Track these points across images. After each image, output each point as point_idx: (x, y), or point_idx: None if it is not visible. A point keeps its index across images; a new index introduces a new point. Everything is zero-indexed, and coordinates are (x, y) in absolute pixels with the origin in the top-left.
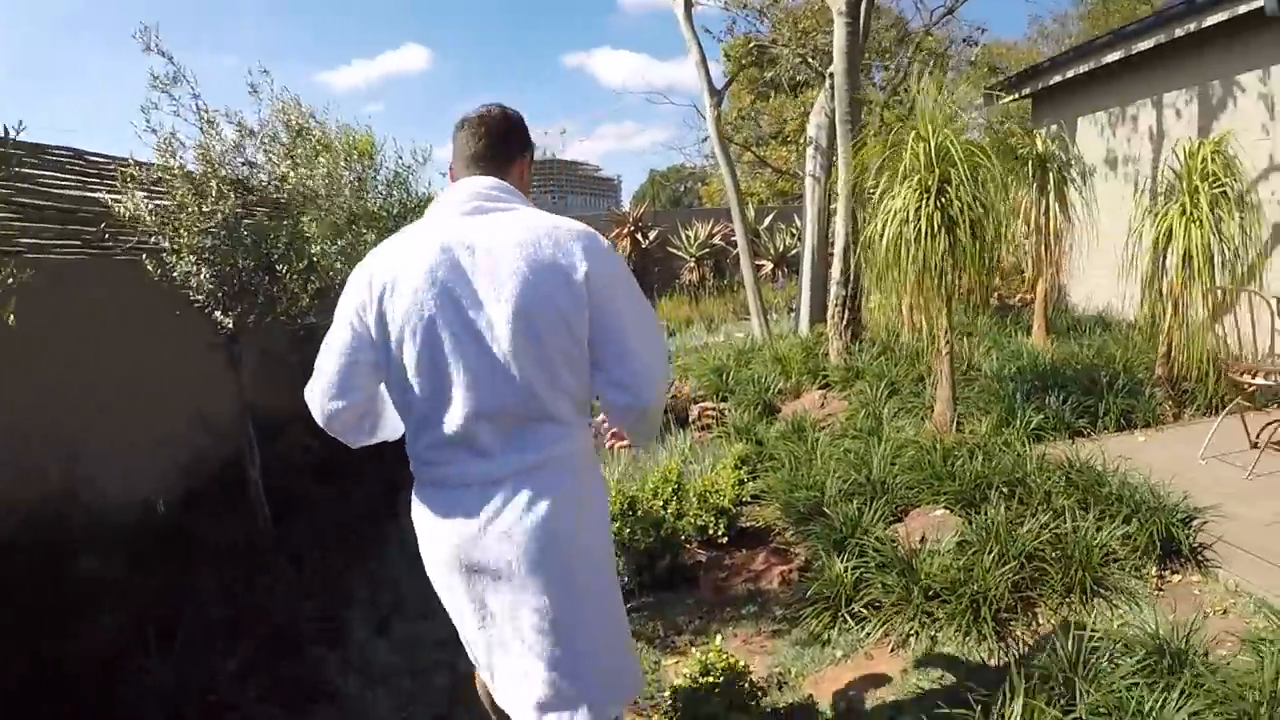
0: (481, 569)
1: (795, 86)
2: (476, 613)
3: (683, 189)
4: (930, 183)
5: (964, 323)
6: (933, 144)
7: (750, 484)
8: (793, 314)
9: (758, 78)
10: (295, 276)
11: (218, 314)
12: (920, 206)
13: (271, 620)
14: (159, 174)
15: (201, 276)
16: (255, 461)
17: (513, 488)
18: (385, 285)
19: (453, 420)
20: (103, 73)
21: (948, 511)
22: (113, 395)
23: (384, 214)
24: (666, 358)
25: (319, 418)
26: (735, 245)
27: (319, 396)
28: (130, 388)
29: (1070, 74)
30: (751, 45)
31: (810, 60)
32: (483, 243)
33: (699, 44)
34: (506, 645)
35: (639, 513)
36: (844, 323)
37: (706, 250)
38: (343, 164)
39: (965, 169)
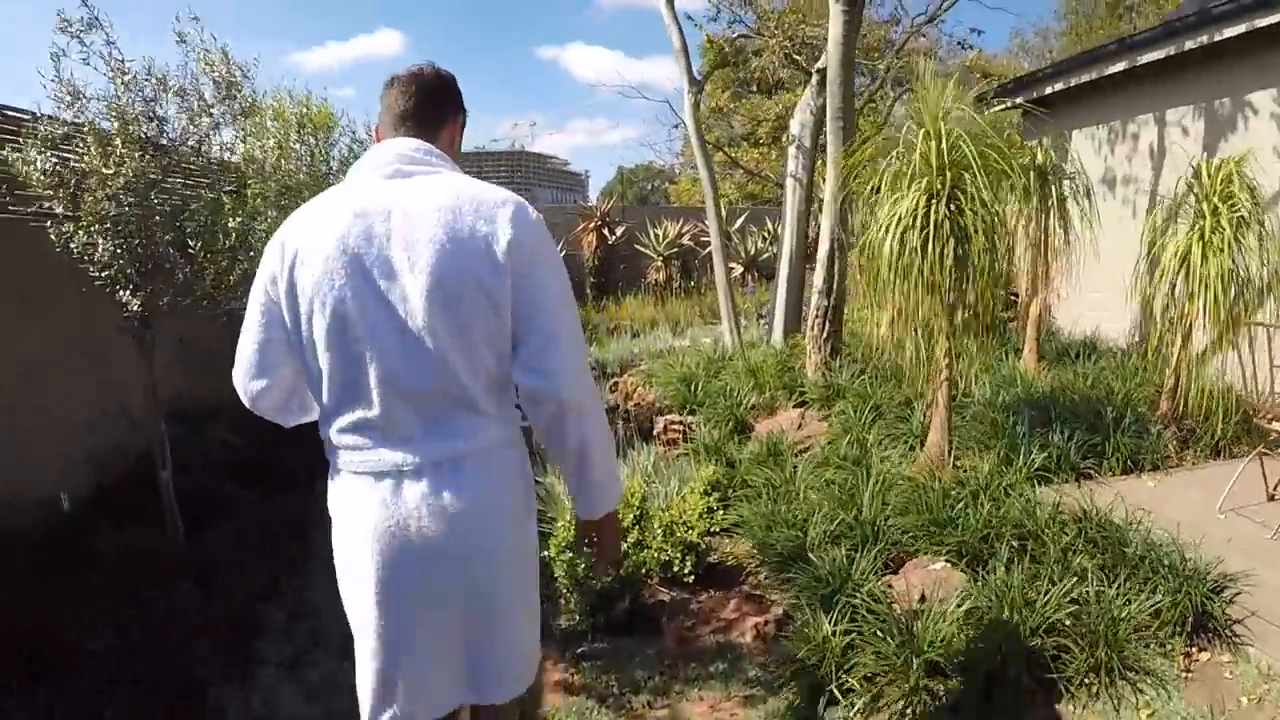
0: (393, 565)
1: (771, 87)
2: (379, 607)
3: (650, 187)
4: (939, 186)
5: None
6: (945, 143)
7: (721, 514)
8: (763, 321)
9: (734, 77)
10: (217, 255)
11: (123, 294)
12: (928, 212)
13: (166, 655)
14: (67, 130)
15: (101, 250)
16: (166, 462)
17: (431, 484)
18: (295, 254)
19: (366, 400)
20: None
21: (950, 565)
22: (8, 378)
23: (330, 185)
24: (587, 363)
25: (244, 399)
26: (705, 246)
27: (240, 377)
28: (33, 369)
29: (1072, 82)
30: (736, 37)
31: (796, 55)
32: (400, 207)
33: (680, 30)
34: (412, 646)
35: None
36: (824, 335)
37: (675, 250)
38: (294, 135)
39: (980, 173)
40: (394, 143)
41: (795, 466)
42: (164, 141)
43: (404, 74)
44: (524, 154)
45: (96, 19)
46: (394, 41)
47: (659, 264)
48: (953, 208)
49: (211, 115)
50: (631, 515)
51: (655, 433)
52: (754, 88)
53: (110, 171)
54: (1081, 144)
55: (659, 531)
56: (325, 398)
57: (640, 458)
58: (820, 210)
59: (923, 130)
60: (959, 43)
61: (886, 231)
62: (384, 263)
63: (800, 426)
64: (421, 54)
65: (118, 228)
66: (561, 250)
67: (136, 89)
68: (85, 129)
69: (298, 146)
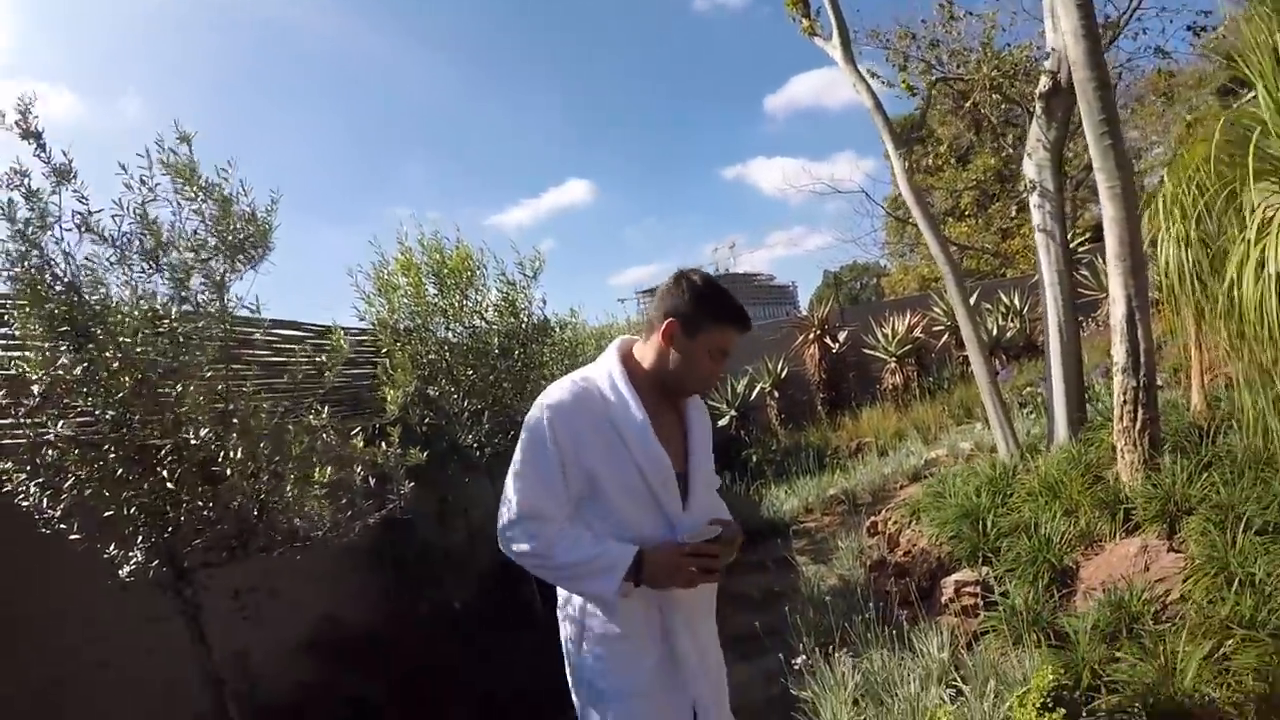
0: None
1: (961, 157)
2: None
3: (859, 285)
4: None
5: None
6: None
7: None
8: (1029, 412)
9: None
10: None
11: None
12: None
13: None
14: None
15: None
16: None
17: None
18: None
19: None
20: None
21: None
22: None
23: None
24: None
25: None
26: (939, 336)
27: None
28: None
29: None
30: (936, 80)
31: (1011, 87)
32: None
33: (869, 87)
34: None
35: None
36: (1138, 425)
37: (907, 347)
38: (432, 291)
39: None
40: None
41: (1172, 649)
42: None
43: None
44: (729, 276)
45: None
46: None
47: (893, 365)
48: None
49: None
50: None
51: (944, 600)
52: (943, 161)
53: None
54: None
55: None
56: None
57: (928, 646)
58: (1104, 263)
59: (1267, 104)
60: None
61: (1251, 270)
62: None
63: (1146, 568)
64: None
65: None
66: (783, 368)
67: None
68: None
69: (439, 301)
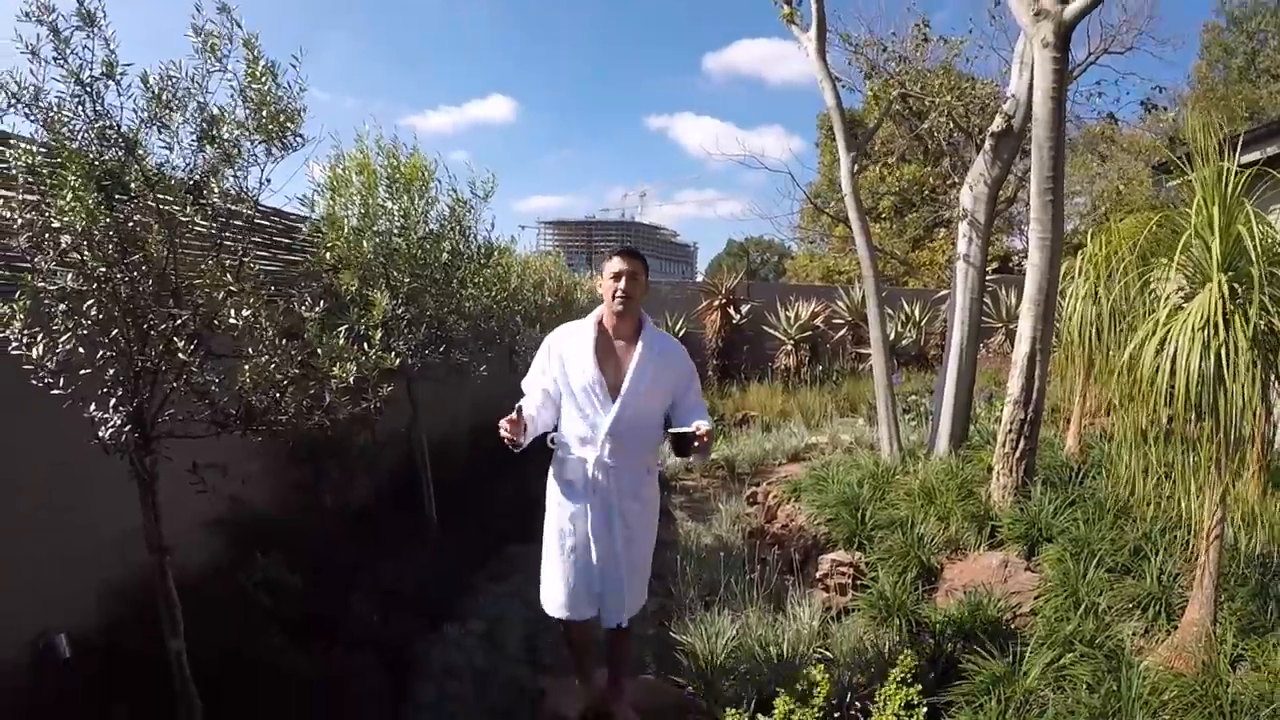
0: None
1: (899, 158)
2: None
3: (760, 260)
4: (1225, 289)
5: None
6: (1250, 226)
7: None
8: (911, 419)
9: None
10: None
11: (93, 409)
12: (1230, 320)
13: None
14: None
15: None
16: (177, 630)
17: None
18: None
19: None
20: None
21: None
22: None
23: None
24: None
25: None
26: (837, 329)
27: None
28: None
29: None
30: (895, 93)
31: (963, 118)
32: None
33: (834, 86)
34: None
35: None
36: (1018, 453)
37: (806, 333)
38: (383, 193)
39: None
40: None
41: (1019, 650)
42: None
43: None
44: (634, 224)
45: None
46: (505, 107)
47: (789, 348)
48: (1267, 317)
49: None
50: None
51: (819, 575)
52: (871, 159)
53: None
54: None
55: None
56: None
57: (799, 611)
58: (1006, 294)
59: (1198, 210)
60: (1144, 104)
61: (1166, 339)
62: None
63: (1005, 579)
64: (532, 120)
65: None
66: (682, 328)
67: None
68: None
69: (389, 204)
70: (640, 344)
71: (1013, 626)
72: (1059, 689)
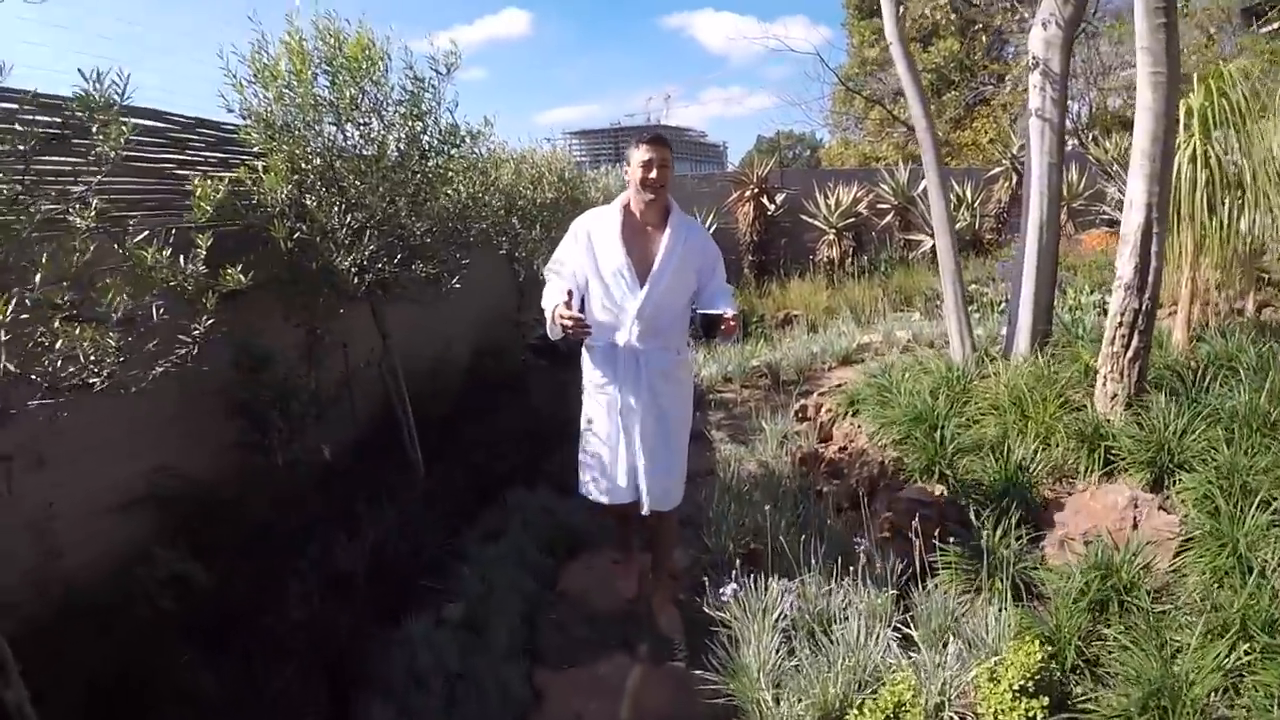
0: None
1: (926, 37)
2: None
3: (792, 154)
4: None
5: None
6: None
7: None
8: (974, 311)
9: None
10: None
11: None
12: None
13: None
14: None
15: None
16: (9, 677)
17: None
18: None
19: None
20: None
21: None
22: None
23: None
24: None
25: None
26: (883, 215)
27: None
28: None
29: None
30: None
31: None
32: None
33: None
34: None
35: None
36: (1129, 352)
37: (849, 220)
38: (322, 81)
39: None
40: None
41: (1162, 634)
42: None
43: None
44: (660, 128)
45: None
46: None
47: (831, 237)
48: None
49: None
50: None
51: (890, 518)
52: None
53: None
54: None
55: None
56: None
57: (878, 603)
58: (1123, 162)
59: None
60: None
61: None
62: None
63: (1134, 524)
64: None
65: None
66: (713, 222)
67: None
68: None
69: (326, 92)
70: (668, 228)
71: (1161, 597)
72: (1232, 703)
